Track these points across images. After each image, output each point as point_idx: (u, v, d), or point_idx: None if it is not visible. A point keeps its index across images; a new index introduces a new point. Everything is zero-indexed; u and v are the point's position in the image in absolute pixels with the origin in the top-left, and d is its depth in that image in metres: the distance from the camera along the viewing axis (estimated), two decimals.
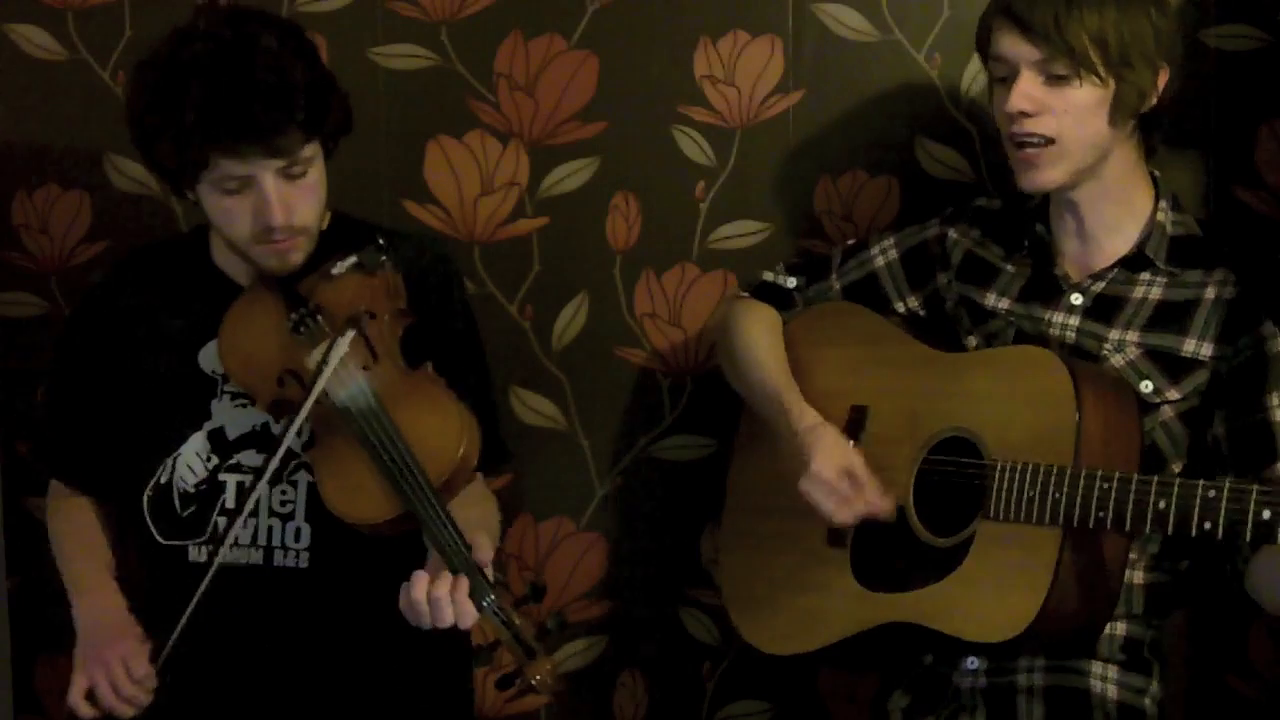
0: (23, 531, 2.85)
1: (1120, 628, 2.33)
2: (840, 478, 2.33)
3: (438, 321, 2.38)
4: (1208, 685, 2.73)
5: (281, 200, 2.24)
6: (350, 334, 2.23)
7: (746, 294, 2.62)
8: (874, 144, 2.74)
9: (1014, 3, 2.26)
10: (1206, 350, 2.29)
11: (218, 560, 2.24)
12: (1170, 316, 2.31)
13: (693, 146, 2.77)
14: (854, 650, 2.39)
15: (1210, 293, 2.31)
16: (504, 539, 2.81)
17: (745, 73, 2.75)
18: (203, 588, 2.21)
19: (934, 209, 2.56)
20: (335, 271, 2.29)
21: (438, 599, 2.10)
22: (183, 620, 2.21)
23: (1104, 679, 2.33)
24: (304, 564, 2.36)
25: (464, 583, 2.10)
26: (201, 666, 2.36)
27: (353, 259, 2.29)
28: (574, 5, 2.75)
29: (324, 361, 2.22)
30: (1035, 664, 2.33)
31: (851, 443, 2.39)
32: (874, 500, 2.33)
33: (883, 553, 2.36)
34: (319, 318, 2.29)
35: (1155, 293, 2.33)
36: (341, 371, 2.22)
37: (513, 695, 2.11)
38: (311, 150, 2.26)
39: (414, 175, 2.79)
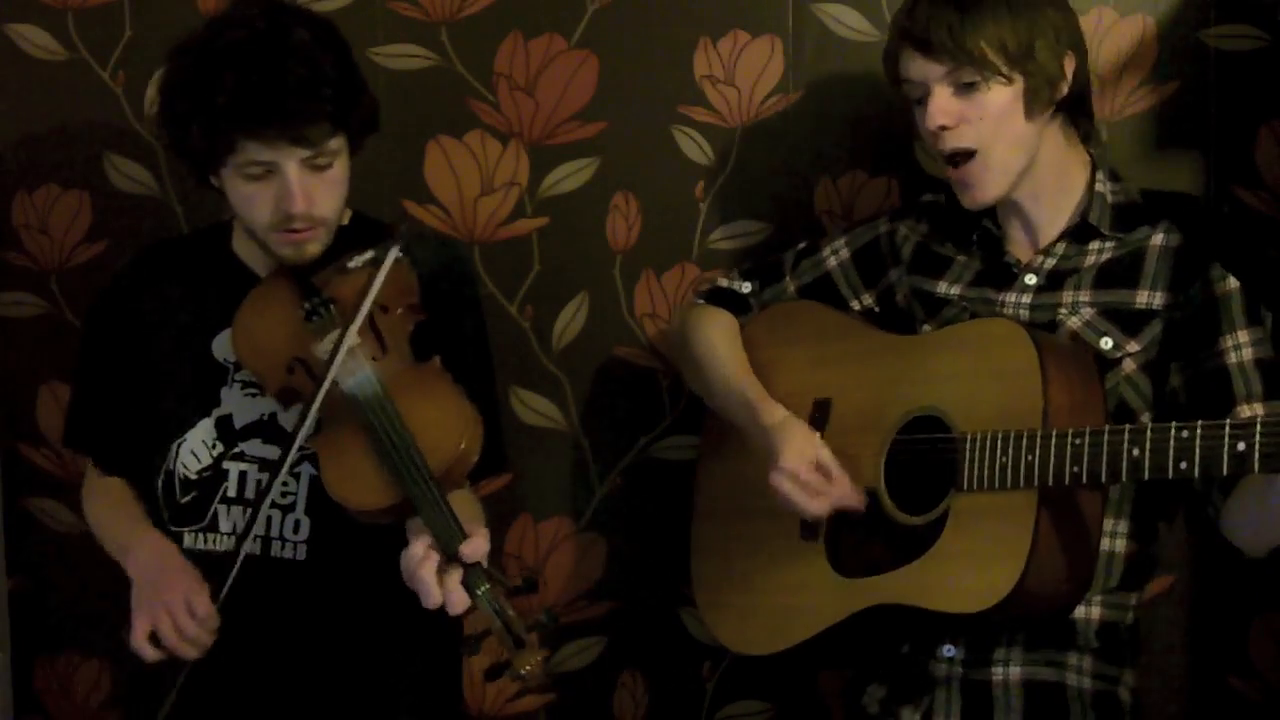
0: (23, 531, 2.85)
1: (1096, 612, 2.33)
2: (810, 470, 2.35)
3: (448, 320, 2.39)
4: (1208, 685, 2.73)
5: (304, 189, 2.26)
6: (362, 317, 2.24)
7: (702, 300, 2.63)
8: (874, 144, 2.74)
9: (911, 27, 2.32)
10: (1159, 300, 2.31)
11: (243, 551, 2.25)
12: (1120, 271, 2.34)
13: (693, 146, 2.77)
14: (834, 641, 2.39)
15: (1156, 240, 2.34)
16: (504, 539, 2.82)
17: (745, 73, 2.75)
18: (231, 577, 2.22)
19: None
20: (350, 265, 2.31)
21: (424, 580, 2.11)
22: (234, 570, 2.22)
23: (1079, 671, 2.34)
24: (301, 556, 2.37)
25: (457, 571, 2.11)
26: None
27: (368, 254, 2.31)
28: (574, 5, 2.76)
29: (337, 345, 2.23)
30: (1011, 655, 2.34)
31: (818, 435, 2.40)
32: (843, 493, 2.35)
33: (858, 540, 2.37)
34: (331, 308, 2.31)
35: (1105, 256, 2.36)
36: (350, 361, 2.24)
37: (517, 689, 2.11)
38: (337, 144, 2.29)
39: (414, 175, 2.79)
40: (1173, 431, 2.07)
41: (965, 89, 2.31)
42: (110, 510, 2.46)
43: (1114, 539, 2.33)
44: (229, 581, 2.22)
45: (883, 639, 2.42)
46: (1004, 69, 2.28)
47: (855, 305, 2.56)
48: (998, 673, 2.35)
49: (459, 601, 2.11)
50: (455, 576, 2.11)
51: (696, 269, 2.79)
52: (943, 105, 2.31)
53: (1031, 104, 2.31)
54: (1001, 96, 2.30)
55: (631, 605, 2.84)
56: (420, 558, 2.12)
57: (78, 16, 2.79)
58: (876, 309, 2.54)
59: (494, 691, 2.81)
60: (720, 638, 2.55)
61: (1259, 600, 2.69)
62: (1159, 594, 2.67)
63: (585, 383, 2.82)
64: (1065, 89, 2.33)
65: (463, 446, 2.19)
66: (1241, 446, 2.02)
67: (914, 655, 2.40)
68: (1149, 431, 2.10)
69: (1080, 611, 2.31)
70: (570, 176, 2.78)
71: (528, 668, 2.10)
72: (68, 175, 2.82)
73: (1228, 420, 2.06)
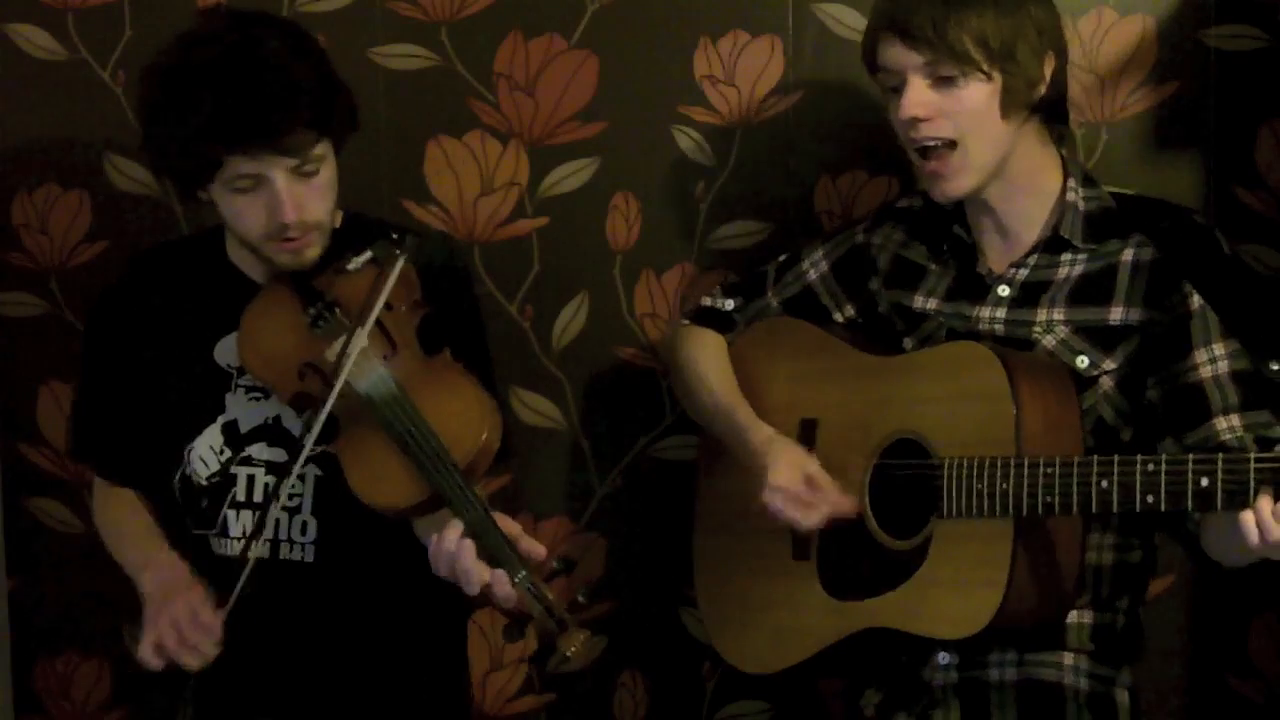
0: (23, 531, 2.85)
1: (1088, 616, 2.34)
2: (800, 484, 2.36)
3: (449, 314, 2.39)
4: (1207, 684, 2.73)
5: (293, 198, 2.26)
6: (372, 319, 2.25)
7: (688, 321, 2.63)
8: (874, 144, 2.74)
9: (894, 13, 2.29)
10: (1135, 315, 2.30)
11: (252, 555, 2.25)
12: (1093, 287, 2.33)
13: (693, 146, 2.77)
14: (832, 659, 2.41)
15: (1128, 255, 2.32)
16: None
17: (745, 73, 2.75)
18: (242, 579, 2.22)
19: None
20: (350, 266, 2.31)
21: (469, 569, 2.11)
22: (238, 586, 2.21)
23: (1075, 671, 2.34)
24: (310, 558, 2.37)
25: (502, 575, 2.12)
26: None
27: (367, 254, 2.31)
28: (574, 5, 2.75)
29: (345, 351, 2.23)
30: (1006, 658, 2.35)
31: (808, 451, 2.41)
32: (836, 500, 2.35)
33: (847, 562, 2.38)
34: (336, 311, 2.31)
35: (1078, 270, 2.35)
36: (363, 362, 2.24)
37: (552, 666, 2.12)
38: (322, 149, 2.28)
39: (414, 175, 2.79)
40: (1139, 465, 2.09)
41: (942, 82, 2.28)
42: (124, 526, 2.45)
43: (1101, 552, 2.33)
44: (239, 586, 2.22)
45: (878, 655, 2.42)
46: (984, 65, 2.26)
47: (839, 316, 2.55)
48: (993, 674, 2.35)
49: (508, 595, 2.11)
50: (501, 578, 2.11)
51: (696, 269, 2.79)
52: (918, 97, 2.29)
53: (1008, 103, 2.29)
54: (979, 93, 2.28)
55: (631, 605, 2.84)
56: (457, 548, 2.12)
57: (78, 16, 2.79)
58: (860, 319, 2.54)
59: (494, 691, 2.82)
60: (722, 653, 2.56)
61: (1259, 600, 2.69)
62: (1159, 594, 2.67)
63: (585, 383, 2.82)
64: (1043, 90, 2.31)
65: (485, 436, 2.20)
66: (1205, 483, 2.04)
67: (910, 663, 2.40)
68: (1116, 464, 2.11)
69: (1072, 616, 2.32)
70: (570, 176, 2.78)
71: (573, 649, 2.10)
72: (68, 175, 2.82)
73: (1190, 455, 2.07)
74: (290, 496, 2.37)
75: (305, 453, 2.25)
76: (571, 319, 2.81)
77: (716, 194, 2.78)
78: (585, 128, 2.77)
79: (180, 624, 2.21)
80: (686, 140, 2.77)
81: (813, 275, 2.57)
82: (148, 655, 2.23)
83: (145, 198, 2.81)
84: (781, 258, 2.62)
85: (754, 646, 2.50)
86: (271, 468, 2.37)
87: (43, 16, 2.79)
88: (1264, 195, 2.66)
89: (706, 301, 2.64)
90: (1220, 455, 2.05)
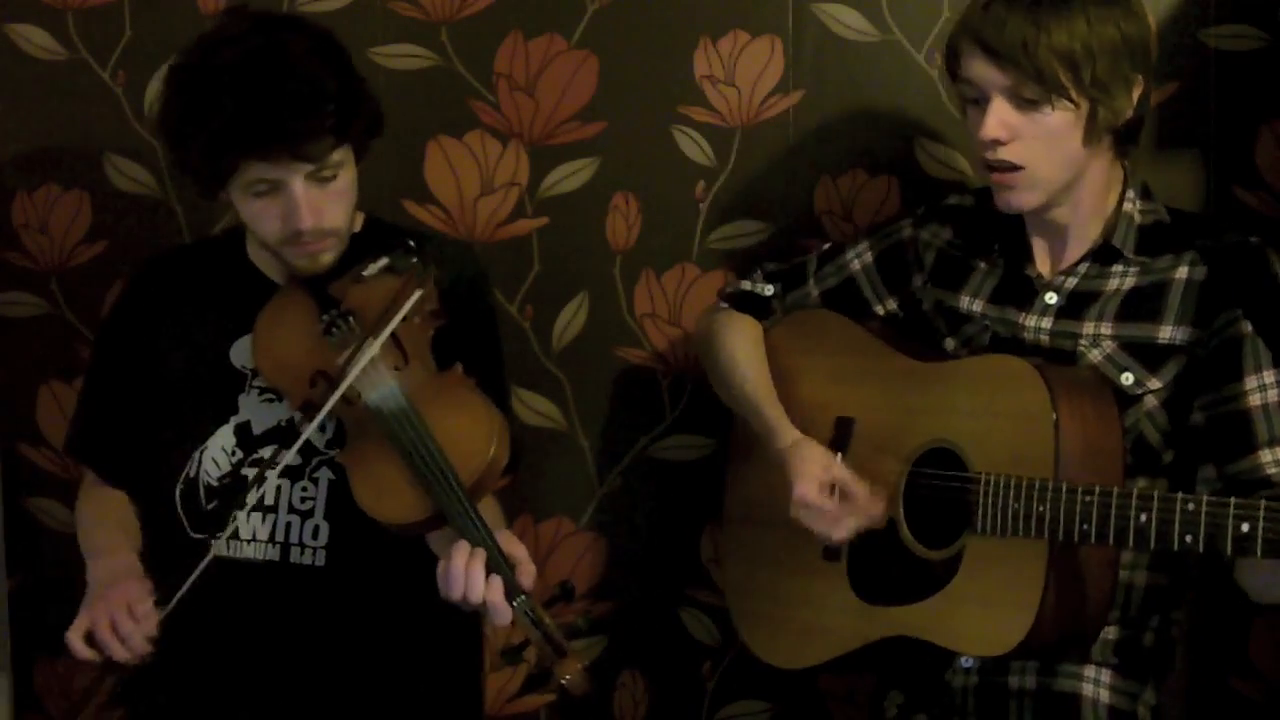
0: (23, 531, 2.85)
1: (1114, 631, 2.32)
2: (826, 496, 2.32)
3: (466, 326, 2.38)
4: (1208, 686, 2.73)
5: (310, 204, 2.25)
6: (385, 334, 2.23)
7: (726, 304, 2.61)
8: (874, 144, 2.74)
9: (981, 27, 2.21)
10: (1182, 335, 2.26)
11: (215, 545, 2.24)
12: (1142, 303, 2.28)
13: (693, 146, 2.77)
14: (856, 661, 2.40)
15: (1180, 273, 2.27)
16: None
17: (745, 73, 2.75)
18: (201, 567, 2.21)
19: None
20: (367, 274, 2.30)
21: (473, 580, 2.11)
22: (186, 584, 2.20)
23: (1096, 683, 2.32)
24: (321, 562, 2.35)
25: (498, 583, 2.11)
26: (215, 661, 2.37)
27: (384, 261, 2.29)
28: (574, 5, 2.76)
29: (351, 360, 2.22)
30: (1028, 665, 2.33)
31: (839, 455, 2.38)
32: (864, 510, 2.32)
33: (879, 566, 2.37)
34: (350, 320, 2.30)
35: (1128, 283, 2.31)
36: (373, 373, 2.23)
37: (550, 693, 2.11)
38: (341, 155, 2.27)
39: (414, 175, 2.79)
40: (1178, 503, 2.06)
41: (1026, 104, 2.21)
42: (97, 516, 2.43)
43: (1134, 571, 2.31)
44: (189, 582, 2.20)
45: (903, 659, 2.40)
46: (1072, 93, 2.19)
47: (879, 309, 2.52)
48: (1014, 681, 2.34)
49: (502, 613, 2.11)
50: (496, 588, 2.11)
51: (696, 269, 2.79)
52: (1001, 118, 2.22)
53: (1091, 131, 2.22)
54: (1063, 119, 2.21)
55: (631, 605, 2.84)
56: (481, 580, 2.11)
57: (78, 16, 2.79)
58: (900, 314, 2.51)
59: (494, 691, 2.81)
60: (749, 645, 2.55)
61: None
62: None
63: (585, 383, 2.82)
64: (1129, 115, 2.25)
65: (492, 454, 2.19)
66: (1245, 528, 2.01)
67: (932, 665, 2.39)
68: (1156, 500, 2.07)
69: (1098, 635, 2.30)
70: (570, 176, 2.78)
71: (569, 676, 2.09)
72: (68, 175, 2.82)
73: (1232, 499, 2.03)
74: (302, 500, 2.36)
75: (284, 462, 2.25)
76: (571, 319, 2.81)
77: (716, 194, 2.78)
78: (585, 128, 2.77)
79: (114, 613, 2.18)
80: (686, 140, 2.77)
81: (856, 265, 2.53)
82: (75, 640, 2.19)
83: (145, 198, 2.81)
84: (825, 246, 2.60)
85: (780, 641, 2.49)
86: (284, 470, 2.35)
87: (43, 16, 2.80)
88: (1264, 195, 2.66)
89: (746, 285, 2.61)
90: (1263, 502, 2.02)
